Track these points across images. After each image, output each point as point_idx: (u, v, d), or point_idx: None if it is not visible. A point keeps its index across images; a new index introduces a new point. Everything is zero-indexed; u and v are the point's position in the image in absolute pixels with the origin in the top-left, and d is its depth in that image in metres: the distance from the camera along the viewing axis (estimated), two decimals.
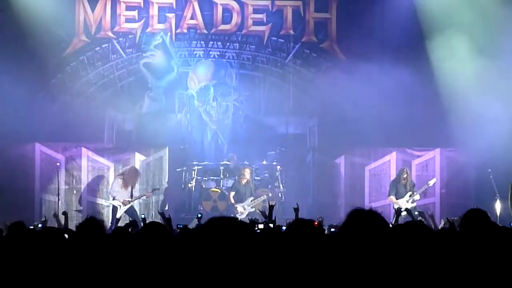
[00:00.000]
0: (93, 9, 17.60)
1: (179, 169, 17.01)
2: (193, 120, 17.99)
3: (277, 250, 4.52)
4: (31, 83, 16.22)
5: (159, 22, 17.84)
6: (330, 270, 3.43)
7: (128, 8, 17.77)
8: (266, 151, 17.31)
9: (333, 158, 16.80)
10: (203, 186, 16.74)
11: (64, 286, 4.62)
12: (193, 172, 16.85)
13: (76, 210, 15.83)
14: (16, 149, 15.93)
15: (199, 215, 11.47)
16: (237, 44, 18.15)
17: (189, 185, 16.79)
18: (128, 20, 17.81)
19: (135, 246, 4.87)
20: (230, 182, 16.51)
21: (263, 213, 10.29)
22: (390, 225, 3.58)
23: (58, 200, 15.16)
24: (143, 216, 12.88)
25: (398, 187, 15.20)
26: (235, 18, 17.88)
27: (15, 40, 16.61)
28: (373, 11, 17.30)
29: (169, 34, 17.85)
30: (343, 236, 3.42)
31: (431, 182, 15.44)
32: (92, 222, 5.65)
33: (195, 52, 18.11)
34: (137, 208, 15.63)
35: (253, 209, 15.38)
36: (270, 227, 9.24)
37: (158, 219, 11.48)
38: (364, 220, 3.42)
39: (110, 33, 17.77)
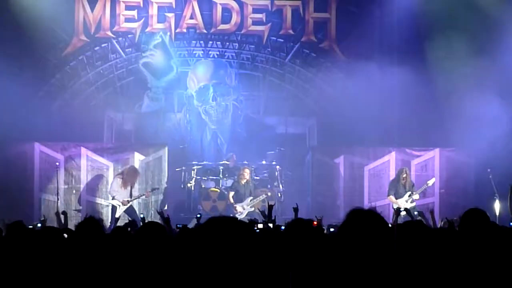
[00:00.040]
0: (92, 9, 17.60)
1: (178, 169, 17.00)
2: (193, 120, 18.00)
3: (276, 249, 4.52)
4: (30, 83, 16.23)
5: (158, 22, 17.84)
6: (329, 269, 3.43)
7: (128, 7, 17.77)
8: (266, 150, 17.31)
9: (333, 158, 16.78)
10: (203, 186, 16.73)
11: (63, 285, 4.62)
12: (193, 171, 16.84)
13: (76, 210, 15.82)
14: (16, 148, 15.92)
15: (198, 215, 11.46)
16: (237, 44, 18.16)
17: (189, 184, 16.78)
18: (127, 20, 17.80)
19: (133, 246, 4.87)
20: (229, 182, 16.51)
21: (262, 212, 10.28)
22: (390, 225, 3.57)
23: (58, 199, 15.14)
24: (142, 215, 12.88)
25: (398, 187, 15.20)
26: (235, 18, 17.88)
27: (15, 40, 16.60)
28: (373, 11, 17.32)
29: (168, 33, 17.85)
30: (342, 236, 3.41)
31: (430, 182, 15.43)
32: (91, 222, 5.65)
33: (194, 52, 18.11)
34: (136, 208, 15.62)
35: (252, 209, 15.38)
36: (269, 226, 9.24)
37: (158, 219, 11.47)
38: (363, 220, 3.42)
39: (109, 33, 17.76)
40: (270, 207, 9.90)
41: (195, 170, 16.86)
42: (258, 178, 16.81)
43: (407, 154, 16.56)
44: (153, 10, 17.79)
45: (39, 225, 10.77)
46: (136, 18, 17.80)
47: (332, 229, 9.21)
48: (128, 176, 15.48)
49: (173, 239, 5.54)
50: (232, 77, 18.05)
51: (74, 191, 16.10)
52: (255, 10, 17.93)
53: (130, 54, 17.95)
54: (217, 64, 18.05)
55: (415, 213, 12.56)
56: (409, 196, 15.01)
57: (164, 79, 17.94)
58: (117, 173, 15.83)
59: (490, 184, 14.44)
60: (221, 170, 16.84)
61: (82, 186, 16.15)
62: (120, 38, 17.90)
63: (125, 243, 5.45)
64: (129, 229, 7.81)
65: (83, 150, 16.19)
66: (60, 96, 17.54)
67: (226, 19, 17.92)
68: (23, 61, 16.66)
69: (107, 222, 14.43)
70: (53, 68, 17.47)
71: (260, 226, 9.55)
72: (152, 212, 15.92)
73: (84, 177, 16.19)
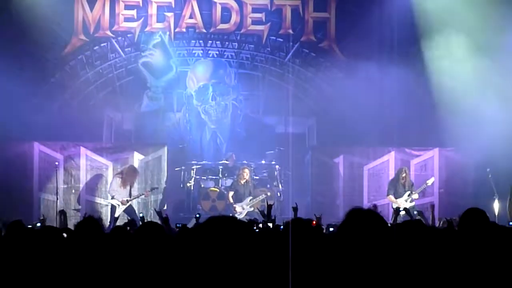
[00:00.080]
0: (91, 8, 17.59)
1: (177, 168, 17.00)
2: (192, 120, 17.99)
3: (275, 249, 4.52)
4: (30, 82, 16.21)
5: (158, 21, 17.83)
6: (328, 269, 3.43)
7: (127, 7, 17.77)
8: (265, 150, 17.31)
9: (332, 158, 16.78)
10: (202, 186, 16.73)
11: (63, 285, 4.61)
12: (192, 171, 16.84)
13: (75, 209, 15.82)
14: (15, 148, 15.91)
15: (197, 215, 11.46)
16: (236, 44, 18.16)
17: (188, 184, 16.78)
18: (127, 19, 17.80)
19: (132, 246, 4.87)
20: (228, 182, 16.50)
21: (261, 212, 10.29)
22: (389, 225, 3.57)
23: (57, 199, 15.14)
24: (141, 214, 12.87)
25: (397, 187, 15.21)
26: (234, 17, 17.88)
27: (14, 39, 16.60)
28: (372, 11, 17.31)
29: (168, 33, 17.84)
30: (341, 236, 3.41)
31: (429, 182, 15.44)
32: (90, 221, 5.65)
33: (194, 51, 18.11)
34: (135, 207, 15.63)
35: (252, 209, 15.37)
36: (268, 226, 9.24)
37: (157, 219, 11.46)
38: (362, 219, 3.41)
39: (108, 32, 17.76)
40: (269, 207, 9.90)
41: (195, 169, 16.86)
42: (257, 177, 16.80)
43: (406, 154, 16.57)
44: (153, 10, 17.78)
45: (38, 224, 10.75)
46: (136, 17, 17.79)
47: (331, 229, 9.21)
48: (128, 176, 15.48)
49: (172, 239, 5.53)
50: (232, 76, 18.05)
51: (73, 191, 16.10)
52: (255, 10, 17.93)
53: (129, 53, 17.94)
54: (217, 64, 18.04)
55: (415, 212, 12.58)
56: (409, 195, 15.02)
57: (163, 79, 17.93)
58: (116, 173, 15.84)
59: (490, 183, 14.45)
60: (220, 169, 16.84)
61: (81, 185, 16.15)
62: (119, 38, 17.89)
63: (124, 243, 5.45)
64: (128, 228, 7.80)
65: (83, 150, 16.19)
66: (59, 95, 17.52)
67: (225, 18, 17.91)
68: (23, 61, 16.65)
69: (107, 221, 14.42)
70: (52, 67, 17.47)
71: (259, 225, 9.55)
72: (152, 211, 15.91)
73: (84, 176, 16.19)
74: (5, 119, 15.29)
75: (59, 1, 16.98)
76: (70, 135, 16.39)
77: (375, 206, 12.65)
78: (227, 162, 16.87)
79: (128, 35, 17.90)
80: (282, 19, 17.94)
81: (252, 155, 17.09)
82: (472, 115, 15.36)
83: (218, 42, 18.13)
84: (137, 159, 16.30)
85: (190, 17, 17.86)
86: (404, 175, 15.24)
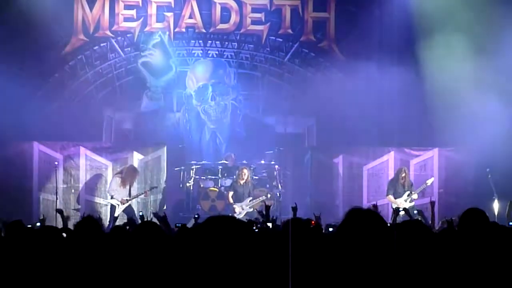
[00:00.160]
0: (91, 8, 17.59)
1: (177, 168, 17.00)
2: (192, 119, 17.99)
3: (274, 249, 4.51)
4: (29, 82, 16.22)
5: (157, 21, 17.83)
6: (327, 269, 3.43)
7: (127, 7, 17.77)
8: (264, 150, 17.30)
9: (331, 158, 16.78)
10: (201, 186, 16.72)
11: (62, 284, 4.61)
12: (191, 171, 16.84)
13: (74, 209, 15.81)
14: (14, 147, 15.90)
15: (196, 216, 11.45)
16: (236, 43, 18.15)
17: (187, 184, 16.78)
18: (126, 19, 17.80)
19: (130, 246, 4.87)
20: (228, 182, 16.50)
21: (260, 212, 10.28)
22: (388, 225, 3.57)
23: (56, 199, 15.13)
24: (141, 213, 12.87)
25: (397, 187, 15.21)
26: (234, 17, 17.88)
27: (14, 39, 16.60)
28: (372, 11, 17.32)
29: (167, 33, 17.84)
30: (341, 235, 3.41)
31: (429, 181, 15.45)
32: (90, 221, 5.64)
33: (193, 51, 18.10)
34: (135, 207, 15.63)
35: (251, 209, 15.37)
36: (268, 226, 9.23)
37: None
38: (362, 219, 3.41)
39: (108, 32, 17.76)
40: (267, 208, 9.90)
41: (194, 169, 16.85)
42: (257, 177, 16.79)
43: (406, 154, 16.57)
44: (152, 10, 17.78)
45: (38, 224, 10.75)
46: (135, 17, 17.79)
47: (331, 229, 9.20)
48: (127, 176, 15.48)
49: (170, 238, 5.53)
50: (231, 76, 18.06)
51: (73, 191, 16.10)
52: (254, 10, 17.93)
53: (129, 53, 17.94)
54: (216, 64, 18.04)
55: (415, 212, 12.56)
56: (408, 195, 15.02)
57: (163, 79, 17.93)
58: (116, 172, 15.83)
59: (489, 184, 14.45)
60: (220, 169, 16.83)
61: (81, 185, 16.14)
62: (119, 38, 17.88)
63: (123, 242, 5.45)
64: (128, 228, 7.80)
65: (82, 150, 16.19)
66: (59, 95, 17.52)
67: (225, 18, 17.91)
68: (22, 61, 16.65)
69: (106, 221, 14.41)
70: (52, 67, 17.45)
71: (258, 225, 9.54)
72: (151, 211, 15.90)
73: (83, 176, 16.18)
74: (5, 119, 15.28)
75: (59, 1, 16.97)
76: (70, 135, 16.38)
77: (374, 206, 12.65)
78: (226, 162, 16.87)
79: (128, 35, 17.90)
80: (281, 19, 17.94)
81: (251, 155, 17.08)
82: (472, 114, 15.36)
83: (217, 42, 18.13)
84: (136, 159, 16.29)
85: (190, 17, 17.86)
86: (403, 175, 15.24)
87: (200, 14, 17.84)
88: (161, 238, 4.84)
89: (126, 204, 15.28)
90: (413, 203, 14.91)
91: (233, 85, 18.02)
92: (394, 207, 14.26)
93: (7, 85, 15.34)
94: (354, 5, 17.74)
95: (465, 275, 4.49)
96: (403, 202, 14.84)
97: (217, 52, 18.15)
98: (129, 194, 15.37)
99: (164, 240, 4.86)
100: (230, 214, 13.24)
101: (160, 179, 16.41)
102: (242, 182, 15.78)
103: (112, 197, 15.33)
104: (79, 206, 15.94)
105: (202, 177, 16.85)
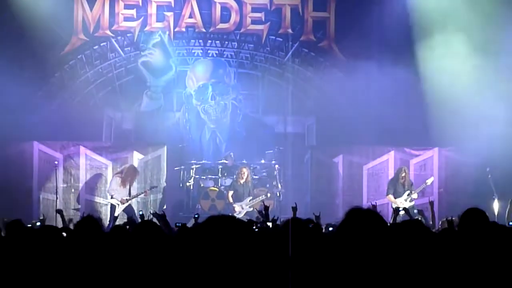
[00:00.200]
0: (91, 8, 17.59)
1: (177, 168, 17.00)
2: (192, 119, 17.99)
3: (274, 248, 4.52)
4: (29, 82, 16.23)
5: (157, 21, 17.83)
6: (327, 268, 3.43)
7: (127, 6, 17.77)
8: (264, 150, 17.30)
9: (331, 157, 16.78)
10: (201, 185, 16.72)
11: (62, 284, 4.61)
12: (191, 170, 16.84)
13: (74, 209, 15.82)
14: (14, 147, 15.90)
15: (196, 215, 11.44)
16: (236, 43, 18.15)
17: (187, 183, 16.78)
18: (126, 19, 17.80)
19: (130, 245, 4.87)
20: (228, 181, 16.50)
21: (259, 212, 10.29)
22: (388, 224, 3.57)
23: (56, 198, 15.14)
24: (141, 212, 12.87)
25: (396, 186, 15.20)
26: (234, 17, 17.88)
27: (14, 39, 16.61)
28: (372, 10, 17.31)
29: (167, 32, 17.84)
30: (341, 235, 3.41)
31: (429, 181, 15.45)
32: (90, 221, 5.64)
33: (193, 51, 18.10)
34: (135, 207, 15.63)
35: (251, 209, 15.37)
36: (267, 225, 9.23)
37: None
38: (362, 219, 3.41)
39: (108, 32, 17.76)
40: (266, 208, 9.90)
41: (194, 169, 16.85)
42: (257, 177, 16.79)
43: (406, 154, 16.57)
44: (152, 9, 17.78)
45: (38, 224, 10.76)
46: (135, 17, 17.79)
47: (330, 228, 9.20)
48: (127, 175, 15.49)
49: (170, 237, 5.54)
50: (231, 76, 18.06)
51: (73, 190, 16.10)
52: (254, 9, 17.94)
53: (129, 53, 17.94)
54: (216, 63, 18.05)
55: (415, 211, 12.56)
56: (408, 195, 15.02)
57: (163, 78, 17.93)
58: (116, 172, 15.84)
59: (489, 183, 14.45)
60: (220, 169, 16.83)
61: (81, 185, 16.15)
62: (119, 37, 17.89)
63: (123, 242, 5.45)
64: (128, 227, 7.80)
65: (82, 149, 16.19)
66: (59, 95, 17.53)
67: (225, 18, 17.92)
68: (22, 61, 16.64)
69: (106, 221, 14.41)
70: (52, 67, 17.46)
71: (258, 225, 9.54)
72: (151, 211, 15.91)
73: (83, 176, 16.19)
74: (5, 119, 15.30)
75: (59, 1, 16.99)
76: (70, 134, 16.39)
77: (373, 205, 12.64)
78: (226, 161, 16.86)
79: (128, 35, 17.90)
80: (281, 18, 17.94)
81: (251, 155, 17.09)
82: (471, 114, 15.37)
83: (217, 42, 18.13)
84: (136, 158, 16.30)
85: (190, 17, 17.86)
86: (403, 174, 15.24)
87: (200, 13, 17.84)
88: (161, 237, 4.84)
89: (126, 204, 15.28)
90: (413, 203, 14.91)
91: (233, 84, 18.02)
92: (394, 206, 14.26)
93: (7, 84, 15.34)
94: (354, 4, 17.72)
95: (465, 275, 4.49)
96: (403, 202, 14.84)
97: (217, 52, 18.15)
98: (129, 194, 15.37)
99: (164, 239, 4.86)
100: (230, 214, 13.26)
101: (160, 178, 16.41)
102: (242, 181, 15.78)
103: (112, 197, 15.33)
104: (79, 206, 15.94)
105: (202, 177, 16.85)
